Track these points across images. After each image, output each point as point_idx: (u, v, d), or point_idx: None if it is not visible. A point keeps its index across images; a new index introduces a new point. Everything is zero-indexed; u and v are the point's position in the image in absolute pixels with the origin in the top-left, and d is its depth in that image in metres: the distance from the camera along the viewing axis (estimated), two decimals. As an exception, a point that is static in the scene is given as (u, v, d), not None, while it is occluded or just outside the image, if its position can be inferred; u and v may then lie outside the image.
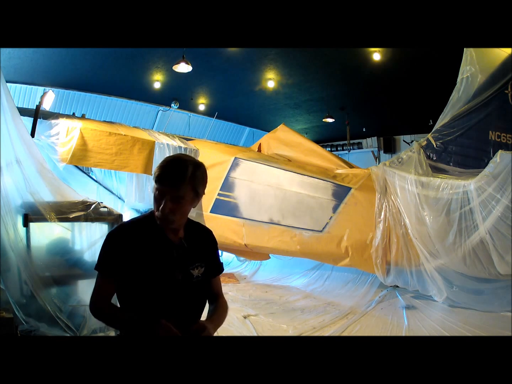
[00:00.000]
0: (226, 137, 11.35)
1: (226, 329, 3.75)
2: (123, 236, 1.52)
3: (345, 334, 3.68)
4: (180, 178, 1.44)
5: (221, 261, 1.78)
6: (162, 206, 1.44)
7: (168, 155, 1.70)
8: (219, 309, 1.65)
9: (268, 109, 9.69)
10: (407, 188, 4.06)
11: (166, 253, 1.52)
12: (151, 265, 1.48)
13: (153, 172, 1.52)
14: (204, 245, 1.66)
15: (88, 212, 3.40)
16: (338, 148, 12.41)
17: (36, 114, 4.54)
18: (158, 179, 1.44)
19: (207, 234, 1.71)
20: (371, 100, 8.78)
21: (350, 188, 4.45)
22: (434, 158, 4.27)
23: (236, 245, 5.16)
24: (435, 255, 3.89)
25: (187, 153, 5.37)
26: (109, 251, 1.50)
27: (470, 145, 4.19)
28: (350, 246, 4.30)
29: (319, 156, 5.24)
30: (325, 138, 12.28)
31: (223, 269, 1.77)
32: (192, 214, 5.85)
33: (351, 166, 5.17)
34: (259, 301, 4.80)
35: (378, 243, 4.14)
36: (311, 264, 5.86)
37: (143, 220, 1.57)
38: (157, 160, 5.15)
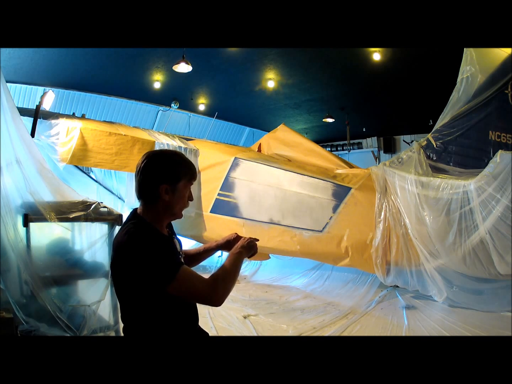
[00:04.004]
0: (226, 137, 11.36)
1: (226, 329, 3.75)
2: (152, 239, 1.41)
3: (345, 334, 3.67)
4: None
5: None
6: (191, 195, 1.58)
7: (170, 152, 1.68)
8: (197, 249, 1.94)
9: (268, 109, 9.70)
10: (407, 188, 4.05)
11: (174, 248, 1.56)
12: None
13: (182, 173, 1.52)
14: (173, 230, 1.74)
15: (88, 212, 3.39)
16: (338, 148, 12.41)
17: (36, 114, 4.53)
18: (196, 172, 1.58)
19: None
20: (371, 100, 8.79)
21: (350, 188, 4.44)
22: (434, 158, 4.26)
23: (236, 245, 5.15)
24: (435, 255, 3.89)
25: (187, 153, 5.38)
26: (163, 252, 1.38)
27: (470, 145, 4.18)
28: (350, 246, 4.29)
29: (319, 156, 5.24)
30: (325, 138, 12.29)
31: None
32: (192, 214, 5.84)
33: (351, 166, 5.17)
34: (259, 301, 4.80)
35: (378, 243, 4.14)
36: (311, 264, 5.86)
37: (143, 227, 1.47)
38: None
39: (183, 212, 1.59)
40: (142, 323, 1.45)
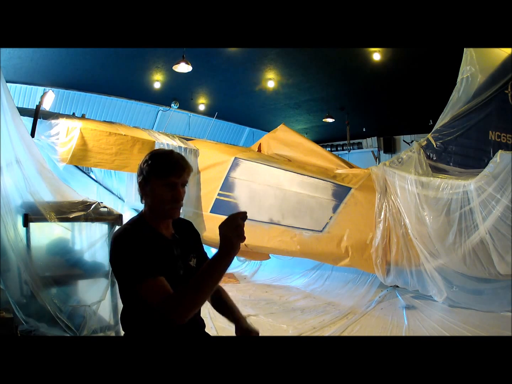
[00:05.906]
0: (226, 137, 11.35)
1: (226, 329, 3.74)
2: (137, 237, 1.44)
3: (345, 334, 3.67)
4: (187, 164, 1.53)
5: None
6: (175, 195, 1.48)
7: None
8: (228, 297, 1.76)
9: (268, 109, 9.68)
10: (407, 188, 4.06)
11: (168, 251, 1.52)
12: (162, 265, 1.44)
13: (148, 168, 1.49)
14: (192, 236, 1.70)
15: (88, 212, 3.39)
16: (338, 148, 12.40)
17: (36, 114, 4.53)
18: (173, 170, 1.48)
19: (190, 225, 1.75)
20: (371, 100, 8.78)
21: (350, 188, 4.45)
22: (434, 158, 4.27)
23: (236, 245, 5.15)
24: (435, 255, 3.89)
25: (187, 153, 5.37)
26: (141, 252, 1.38)
27: (470, 145, 4.18)
28: (350, 246, 4.30)
29: (319, 156, 5.24)
30: (325, 138, 12.28)
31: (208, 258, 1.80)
32: (191, 214, 5.82)
33: (351, 166, 5.17)
34: (259, 301, 4.80)
35: (378, 243, 4.14)
36: (311, 264, 5.86)
37: (138, 223, 1.52)
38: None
39: (182, 212, 1.58)
40: (137, 321, 1.47)
